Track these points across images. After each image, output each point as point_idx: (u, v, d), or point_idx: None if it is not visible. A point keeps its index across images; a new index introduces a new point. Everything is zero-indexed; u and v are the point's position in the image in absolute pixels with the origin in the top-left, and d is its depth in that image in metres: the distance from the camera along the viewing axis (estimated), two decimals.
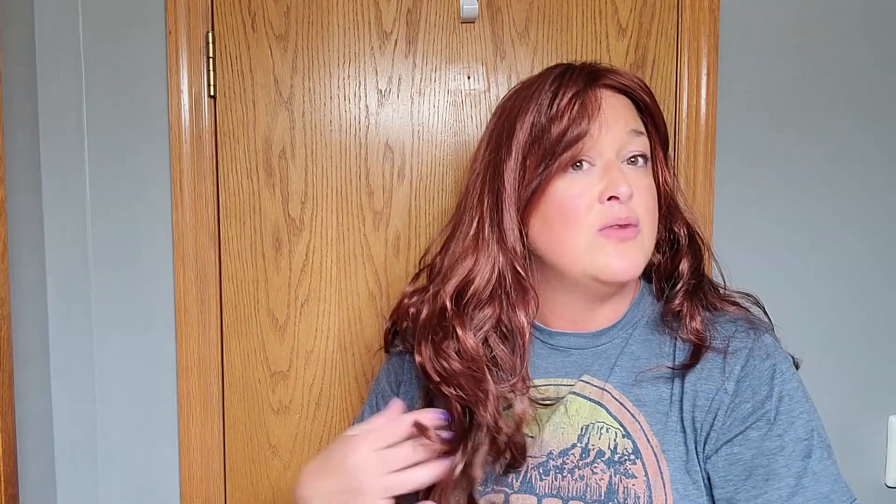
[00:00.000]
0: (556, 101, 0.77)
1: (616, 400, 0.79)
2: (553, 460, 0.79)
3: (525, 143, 0.78)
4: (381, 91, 1.26)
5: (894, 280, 1.33)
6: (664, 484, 0.75)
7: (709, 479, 0.75)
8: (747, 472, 0.73)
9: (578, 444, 0.79)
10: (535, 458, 0.79)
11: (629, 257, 0.76)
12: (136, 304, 1.27)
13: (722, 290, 0.87)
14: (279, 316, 1.28)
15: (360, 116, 1.26)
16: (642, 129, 0.81)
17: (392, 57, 1.25)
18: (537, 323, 0.85)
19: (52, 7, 1.23)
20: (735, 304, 0.85)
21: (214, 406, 1.27)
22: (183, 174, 1.24)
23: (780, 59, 1.29)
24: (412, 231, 1.27)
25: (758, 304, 0.89)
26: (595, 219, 0.76)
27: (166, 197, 1.25)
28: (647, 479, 0.75)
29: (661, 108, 1.26)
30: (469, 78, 1.26)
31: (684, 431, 0.76)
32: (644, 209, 0.78)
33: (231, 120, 1.25)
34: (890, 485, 1.33)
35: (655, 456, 0.76)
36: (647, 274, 0.87)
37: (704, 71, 1.26)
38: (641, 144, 0.80)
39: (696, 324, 0.79)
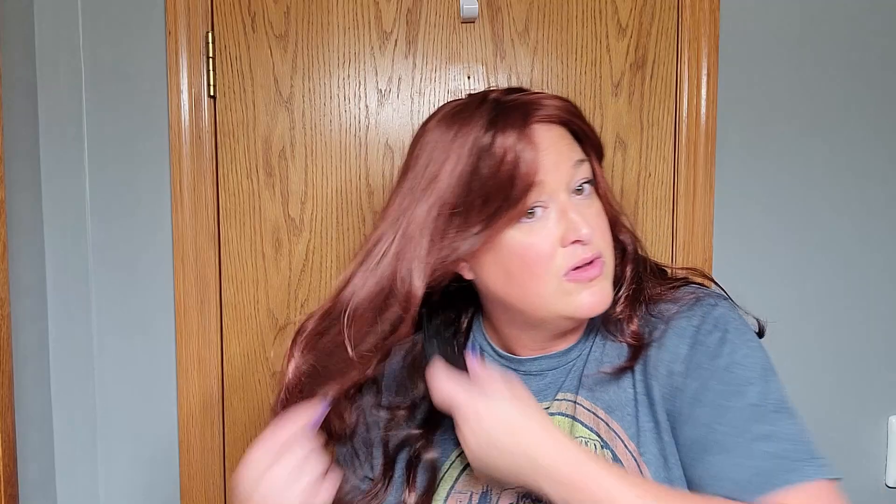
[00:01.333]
0: (495, 149, 0.72)
1: (588, 411, 0.78)
2: None
3: (457, 195, 0.73)
4: (381, 91, 1.25)
5: (894, 280, 1.33)
6: None
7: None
8: (702, 448, 0.70)
9: None
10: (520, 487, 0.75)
11: (600, 291, 0.75)
12: (136, 305, 1.27)
13: (668, 272, 0.85)
14: (279, 316, 1.28)
15: (360, 116, 1.26)
16: (582, 156, 0.77)
17: (392, 57, 1.25)
18: (505, 353, 0.84)
19: (52, 7, 1.23)
20: (681, 283, 0.82)
21: (214, 406, 1.27)
22: (183, 174, 1.24)
23: (780, 58, 1.29)
24: None
25: (705, 275, 0.87)
26: (561, 264, 0.73)
27: (166, 197, 1.25)
28: None
29: (661, 108, 1.28)
30: (469, 78, 1.26)
31: (656, 427, 0.75)
32: (601, 237, 0.76)
33: (231, 120, 1.25)
34: (890, 485, 1.33)
35: (635, 461, 0.74)
36: None
37: (704, 71, 1.26)
38: (586, 171, 0.77)
39: (634, 326, 0.78)
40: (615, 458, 0.75)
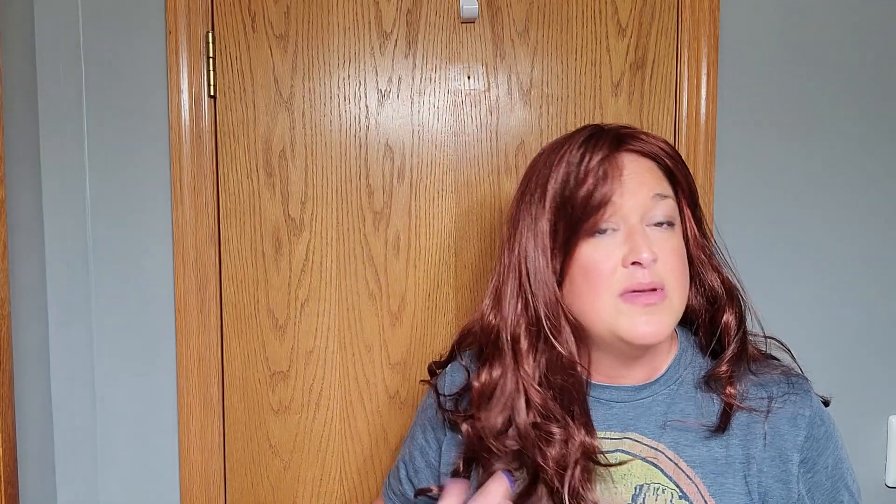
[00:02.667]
0: (582, 166, 0.78)
1: (671, 461, 0.79)
2: None
3: (553, 207, 0.80)
4: (381, 91, 1.26)
5: (894, 280, 1.33)
6: None
7: None
8: None
9: (632, 503, 0.79)
10: None
11: (657, 322, 0.77)
12: (136, 304, 1.27)
13: (752, 338, 0.88)
14: (279, 316, 1.28)
15: (360, 116, 1.26)
16: (667, 192, 0.81)
17: (392, 57, 1.25)
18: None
19: (52, 7, 1.23)
20: (773, 357, 0.87)
21: (214, 406, 1.27)
22: (183, 174, 1.24)
23: (780, 58, 1.29)
24: (412, 231, 1.27)
25: (787, 350, 0.91)
26: (618, 283, 0.77)
27: (166, 197, 1.25)
28: None
29: (661, 108, 1.28)
30: (469, 78, 1.26)
31: (747, 495, 0.77)
32: (670, 271, 0.78)
33: (231, 120, 1.25)
34: (890, 485, 1.33)
35: None
36: (691, 324, 0.88)
37: (704, 71, 1.26)
38: (667, 208, 0.80)
39: (733, 388, 0.80)
40: None
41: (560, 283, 0.81)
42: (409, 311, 1.28)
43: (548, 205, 0.80)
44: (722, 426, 0.79)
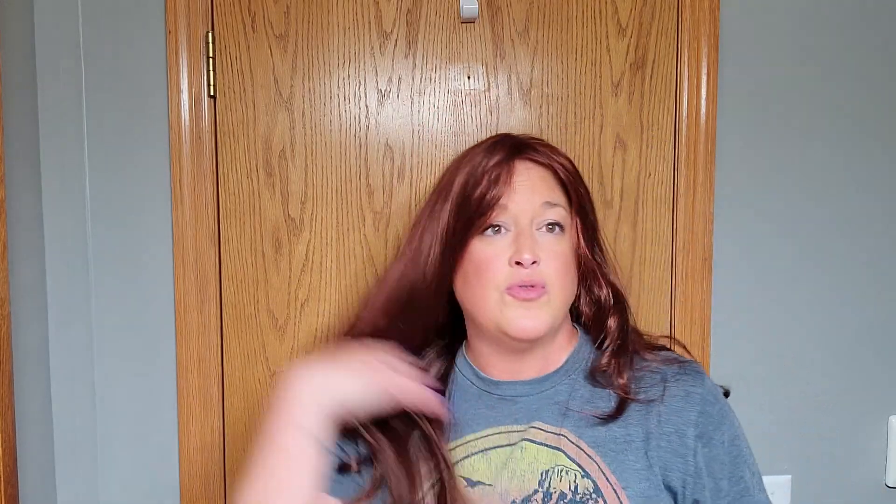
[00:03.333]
0: (479, 169, 0.86)
1: (573, 444, 0.84)
2: None
3: (453, 205, 0.87)
4: (381, 91, 1.26)
5: (894, 280, 1.33)
6: None
7: None
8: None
9: (540, 489, 0.83)
10: None
11: (535, 317, 0.83)
12: (136, 304, 1.27)
13: (646, 338, 0.95)
14: (279, 316, 1.28)
15: (360, 116, 1.26)
16: (558, 201, 0.88)
17: (392, 57, 1.25)
18: (479, 372, 0.91)
19: (52, 7, 1.23)
20: (662, 347, 0.94)
21: (214, 406, 1.27)
22: (183, 174, 1.24)
23: (780, 58, 1.29)
24: None
25: (680, 344, 0.99)
26: (503, 279, 0.84)
27: (166, 197, 1.25)
28: None
29: (661, 108, 1.28)
30: (469, 78, 1.26)
31: (647, 468, 0.83)
32: (554, 272, 0.84)
33: (231, 120, 1.25)
34: (890, 485, 1.33)
35: (615, 492, 0.81)
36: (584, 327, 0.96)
37: (704, 71, 1.26)
38: (556, 214, 0.87)
39: (623, 380, 0.87)
40: (596, 489, 0.82)
41: (454, 278, 0.89)
42: None
43: (449, 202, 0.87)
44: (617, 414, 0.85)
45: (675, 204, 1.28)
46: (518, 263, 0.83)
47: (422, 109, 1.26)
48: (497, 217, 0.85)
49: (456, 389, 0.92)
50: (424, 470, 0.84)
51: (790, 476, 1.32)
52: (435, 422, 0.86)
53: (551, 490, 0.82)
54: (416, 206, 1.26)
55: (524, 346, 0.87)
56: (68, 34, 1.23)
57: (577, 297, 0.92)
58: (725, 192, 1.29)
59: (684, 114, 1.27)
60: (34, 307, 1.22)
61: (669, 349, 0.94)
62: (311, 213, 1.26)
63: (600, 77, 1.26)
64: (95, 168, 1.25)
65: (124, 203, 1.26)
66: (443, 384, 0.91)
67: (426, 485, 0.84)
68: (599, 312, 0.92)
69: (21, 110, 1.19)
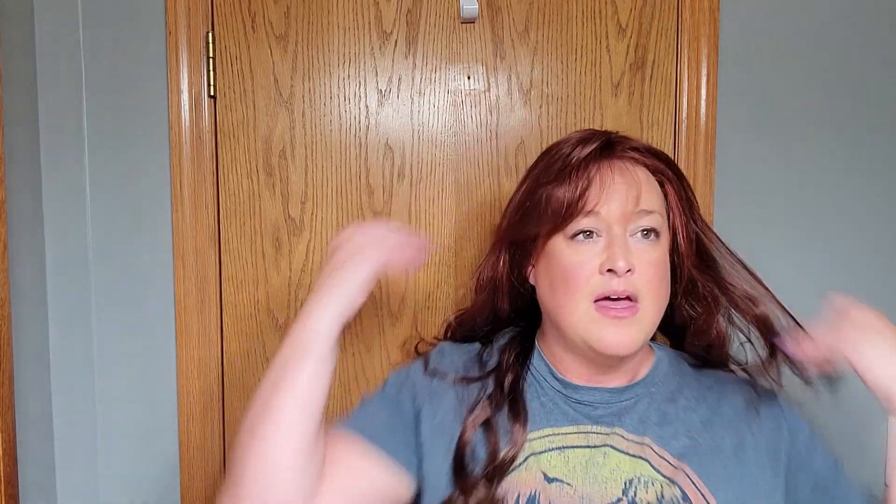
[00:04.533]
0: (569, 168, 0.81)
1: (656, 453, 0.81)
2: None
3: (542, 207, 0.82)
4: (381, 91, 1.26)
5: (895, 280, 1.33)
6: None
7: None
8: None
9: (624, 498, 0.80)
10: None
11: (625, 335, 0.78)
12: (136, 304, 1.27)
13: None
14: (279, 316, 1.28)
15: (360, 116, 1.26)
16: (654, 205, 0.82)
17: (392, 57, 1.25)
18: (559, 374, 0.87)
19: (52, 7, 1.23)
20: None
21: (214, 406, 1.27)
22: (183, 174, 1.24)
23: (779, 58, 1.29)
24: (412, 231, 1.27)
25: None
26: (594, 289, 0.79)
27: (166, 197, 1.25)
28: None
29: (661, 108, 1.28)
30: (469, 78, 1.26)
31: (743, 475, 0.81)
32: (647, 283, 0.79)
33: (231, 120, 1.25)
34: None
35: (705, 499, 0.79)
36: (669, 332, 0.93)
37: (704, 71, 1.26)
38: (651, 221, 0.81)
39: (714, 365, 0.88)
40: (684, 496, 0.79)
41: (537, 280, 0.86)
42: (408, 311, 1.28)
43: (537, 203, 0.82)
44: (701, 424, 0.83)
45: None
46: (610, 271, 0.78)
47: (422, 109, 1.26)
48: (589, 223, 0.80)
49: (531, 381, 0.87)
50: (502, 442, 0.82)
51: None
52: (518, 410, 0.83)
53: (637, 500, 0.79)
54: (416, 206, 1.26)
55: (612, 362, 0.83)
56: (68, 34, 1.23)
57: (676, 303, 0.88)
58: (725, 192, 1.29)
59: (684, 114, 1.27)
60: (34, 307, 1.22)
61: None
62: (311, 213, 1.26)
63: (600, 77, 1.26)
64: (95, 168, 1.25)
65: (124, 203, 1.26)
66: (518, 371, 0.87)
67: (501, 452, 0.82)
68: (694, 322, 0.88)
69: (21, 110, 1.19)
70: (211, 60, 1.24)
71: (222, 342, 1.27)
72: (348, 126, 1.26)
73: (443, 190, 1.27)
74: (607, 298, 0.78)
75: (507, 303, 0.92)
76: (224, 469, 1.29)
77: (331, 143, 1.26)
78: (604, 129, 0.88)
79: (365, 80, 1.25)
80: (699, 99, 1.26)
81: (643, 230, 0.80)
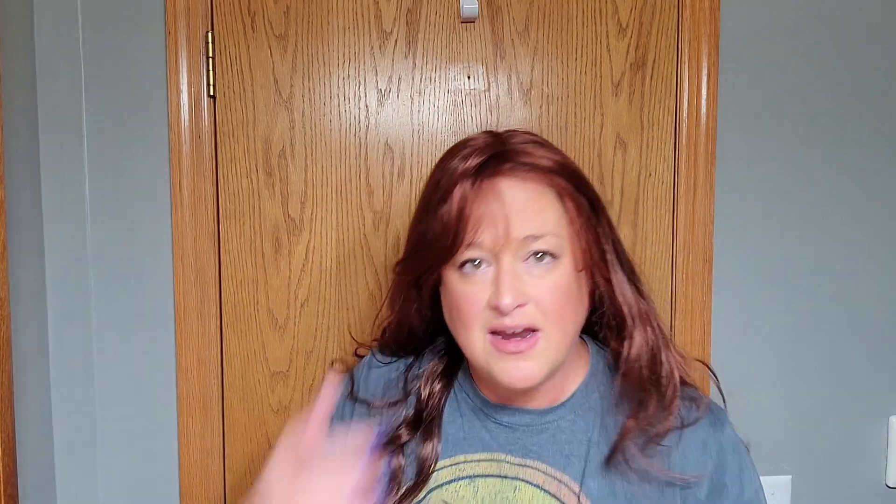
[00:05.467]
0: (451, 191, 0.73)
1: (574, 493, 0.75)
2: None
3: (422, 237, 0.77)
4: (380, 91, 1.25)
5: (895, 279, 1.33)
6: None
7: None
8: None
9: None
10: None
11: (526, 368, 0.72)
12: (136, 304, 1.27)
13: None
14: (279, 316, 1.27)
15: (359, 116, 1.26)
16: (545, 227, 0.73)
17: (392, 57, 1.25)
18: (479, 391, 0.82)
19: (52, 7, 1.23)
20: (681, 381, 0.80)
21: (214, 406, 1.27)
22: (182, 174, 1.24)
23: (780, 58, 1.29)
24: None
25: (707, 366, 0.91)
26: (485, 321, 0.73)
27: (166, 197, 1.25)
28: None
29: (662, 108, 1.28)
30: (469, 78, 1.26)
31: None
32: (546, 311, 0.72)
33: (231, 120, 1.25)
34: (890, 485, 1.33)
35: None
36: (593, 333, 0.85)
37: (705, 71, 1.26)
38: (544, 244, 0.73)
39: (644, 457, 0.75)
40: None
41: (439, 305, 0.80)
42: None
43: (423, 232, 0.77)
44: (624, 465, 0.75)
45: (676, 204, 1.28)
46: (495, 308, 0.71)
47: (422, 109, 1.26)
48: (472, 253, 0.73)
49: (452, 401, 0.83)
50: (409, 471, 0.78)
51: (790, 476, 1.32)
52: (431, 436, 0.79)
53: None
54: (415, 206, 1.26)
55: (520, 392, 0.77)
56: (68, 34, 1.23)
57: (596, 314, 0.80)
58: (726, 192, 1.29)
59: (685, 114, 1.26)
60: (34, 307, 1.22)
61: (688, 384, 0.82)
62: (311, 213, 1.26)
63: (600, 77, 1.26)
64: (95, 168, 1.25)
65: (124, 203, 1.26)
66: (441, 391, 0.82)
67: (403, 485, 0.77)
68: (619, 331, 0.79)
69: (21, 110, 1.19)
70: (210, 60, 1.24)
71: (222, 342, 1.27)
72: (348, 126, 1.26)
73: None
74: (500, 334, 0.72)
75: (419, 321, 0.86)
76: (224, 469, 1.29)
77: (330, 143, 1.26)
78: (504, 132, 0.80)
79: (365, 80, 1.25)
80: (699, 98, 1.26)
81: (535, 253, 0.72)
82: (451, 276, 0.75)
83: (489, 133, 0.81)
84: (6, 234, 1.10)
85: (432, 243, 0.74)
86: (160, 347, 1.27)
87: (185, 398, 1.26)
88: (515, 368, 0.72)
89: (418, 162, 1.26)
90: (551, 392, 0.79)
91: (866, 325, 1.32)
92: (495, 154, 0.75)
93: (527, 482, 0.76)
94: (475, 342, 0.74)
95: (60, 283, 1.26)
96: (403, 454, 0.79)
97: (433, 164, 1.25)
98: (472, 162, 0.74)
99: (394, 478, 0.78)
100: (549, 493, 0.75)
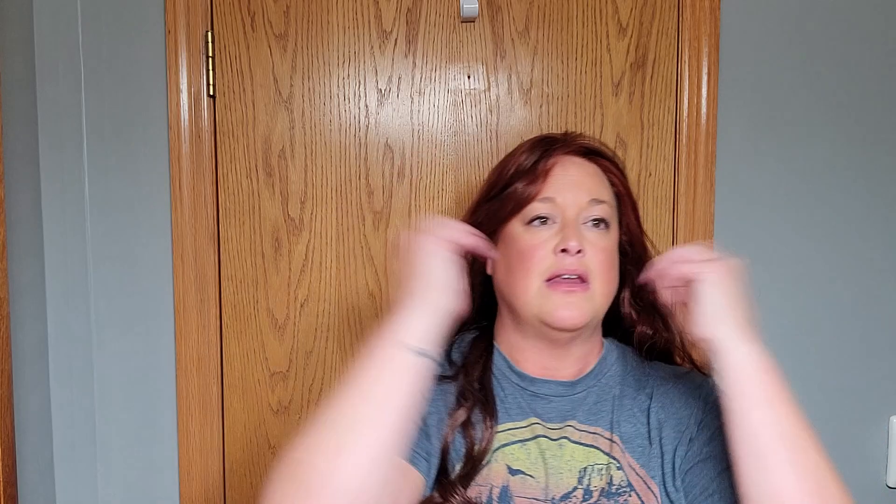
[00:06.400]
0: (527, 161, 0.88)
1: (608, 440, 0.86)
2: None
3: (502, 194, 0.89)
4: (380, 91, 1.25)
5: (895, 279, 1.33)
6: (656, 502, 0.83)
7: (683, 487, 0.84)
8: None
9: (580, 486, 0.84)
10: (540, 501, 0.83)
11: (576, 307, 0.83)
12: (136, 304, 1.27)
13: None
14: (279, 316, 1.27)
15: (359, 116, 1.26)
16: (605, 197, 0.89)
17: (392, 56, 1.25)
18: (515, 367, 0.91)
19: (52, 7, 1.23)
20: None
21: (214, 406, 1.27)
22: (182, 174, 1.24)
23: (780, 58, 1.28)
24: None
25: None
26: (547, 267, 0.84)
27: (166, 197, 1.25)
28: (641, 501, 0.83)
29: (662, 107, 1.28)
30: (469, 77, 1.26)
31: (662, 456, 0.85)
32: (597, 266, 0.85)
33: (231, 120, 1.25)
34: (891, 485, 1.33)
35: (645, 482, 0.84)
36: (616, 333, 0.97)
37: (705, 71, 1.26)
38: (602, 211, 0.87)
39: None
40: (628, 483, 0.84)
41: (495, 268, 0.90)
42: None
43: (497, 192, 0.89)
44: (642, 414, 0.87)
45: (676, 204, 1.28)
46: (563, 251, 0.83)
47: (422, 109, 1.26)
48: (544, 208, 0.86)
49: (492, 377, 0.91)
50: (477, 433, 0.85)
51: None
52: (488, 405, 0.87)
53: (591, 487, 0.84)
54: (416, 206, 1.26)
55: (564, 336, 0.86)
56: (68, 34, 1.23)
57: (621, 297, 0.93)
58: (726, 191, 1.29)
59: (685, 114, 1.26)
60: (34, 307, 1.22)
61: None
62: (311, 213, 1.26)
63: (600, 77, 1.26)
64: (95, 168, 1.25)
65: (124, 203, 1.26)
66: (483, 367, 0.91)
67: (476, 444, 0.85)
68: (642, 313, 0.93)
69: (21, 110, 1.19)
70: (210, 60, 1.23)
71: (221, 342, 1.27)
72: (348, 126, 1.26)
73: (443, 190, 1.27)
74: (558, 276, 0.84)
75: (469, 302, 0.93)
76: (223, 468, 1.29)
77: (330, 143, 1.26)
78: (554, 134, 0.94)
79: (365, 80, 1.25)
80: (700, 98, 1.26)
81: (594, 219, 0.86)
82: (517, 230, 0.87)
83: (544, 134, 0.95)
84: (6, 234, 1.10)
85: (510, 199, 0.87)
86: (160, 347, 1.27)
87: (185, 398, 1.26)
88: (567, 306, 0.83)
89: (418, 162, 1.26)
90: (577, 364, 0.90)
91: (866, 325, 1.32)
92: (563, 140, 0.91)
93: (567, 439, 0.86)
94: (531, 286, 0.84)
95: (60, 282, 1.26)
96: (470, 430, 0.86)
97: (433, 163, 1.26)
98: (546, 143, 0.90)
99: (469, 451, 0.84)
100: (588, 445, 0.86)
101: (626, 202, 0.92)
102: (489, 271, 0.92)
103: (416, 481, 0.81)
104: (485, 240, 0.83)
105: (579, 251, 0.83)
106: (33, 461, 1.21)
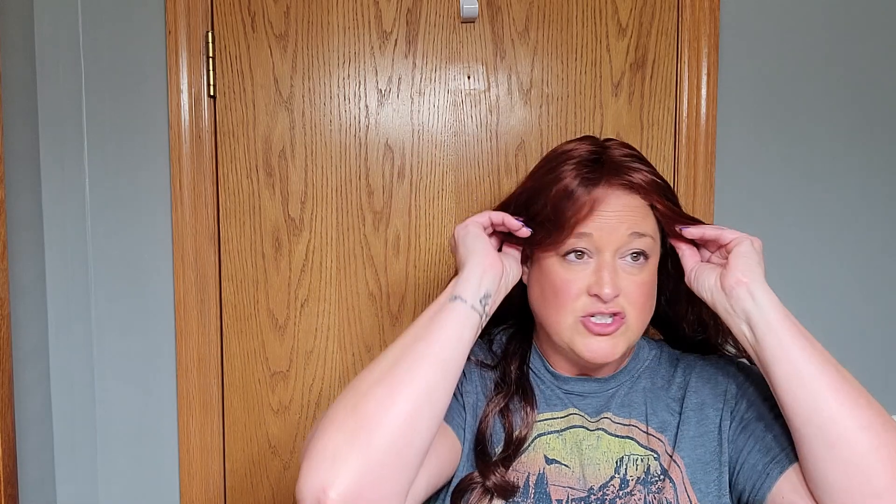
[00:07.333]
0: (570, 189, 0.85)
1: (643, 432, 0.89)
2: (594, 494, 0.85)
3: (539, 212, 0.86)
4: (381, 91, 1.25)
5: (894, 279, 1.33)
6: (687, 489, 0.85)
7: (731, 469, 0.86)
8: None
9: (616, 475, 0.86)
10: (576, 490, 0.85)
11: (610, 346, 0.84)
12: (136, 304, 1.27)
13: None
14: (279, 316, 1.27)
15: (359, 116, 1.26)
16: (646, 229, 0.86)
17: (392, 57, 1.25)
18: (548, 365, 0.93)
19: (52, 7, 1.23)
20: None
21: (214, 406, 1.27)
22: (183, 174, 1.24)
23: (780, 58, 1.29)
24: (412, 231, 1.27)
25: None
26: (581, 307, 0.84)
27: (166, 197, 1.25)
28: (675, 489, 0.85)
29: (661, 108, 1.28)
30: (469, 78, 1.26)
31: (704, 436, 0.87)
32: (632, 304, 0.85)
33: (231, 120, 1.25)
34: None
35: (679, 468, 0.85)
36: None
37: (704, 71, 1.26)
38: (642, 244, 0.85)
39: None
40: (663, 470, 0.86)
41: (529, 284, 0.91)
42: (408, 311, 1.28)
43: (540, 208, 0.86)
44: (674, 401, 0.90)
45: None
46: (595, 295, 0.83)
47: (422, 109, 1.26)
48: (581, 243, 0.84)
49: (530, 372, 0.94)
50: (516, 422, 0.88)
51: None
52: (528, 394, 0.90)
53: (628, 477, 0.86)
54: (416, 206, 1.26)
55: (593, 365, 0.88)
56: (68, 34, 1.23)
57: (683, 318, 0.95)
58: (725, 191, 1.29)
59: (684, 114, 1.26)
60: (34, 307, 1.22)
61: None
62: (311, 213, 1.26)
63: (600, 77, 1.26)
64: (95, 168, 1.25)
65: (124, 203, 1.26)
66: (521, 361, 0.93)
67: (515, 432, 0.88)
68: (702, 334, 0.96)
69: (21, 110, 1.19)
70: (211, 60, 1.24)
71: (222, 342, 1.27)
72: (348, 126, 1.26)
73: (443, 190, 1.27)
74: (591, 317, 0.84)
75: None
76: (224, 468, 1.29)
77: (331, 143, 1.26)
78: (604, 140, 0.91)
79: (365, 80, 1.25)
80: (699, 98, 1.26)
81: (633, 253, 0.85)
82: (552, 263, 0.86)
83: (590, 139, 0.92)
84: (7, 235, 1.10)
85: (548, 223, 0.85)
86: (160, 347, 1.27)
87: (185, 398, 1.26)
88: (598, 344, 0.84)
89: (418, 162, 1.26)
90: (612, 368, 0.92)
91: (866, 324, 1.32)
92: (610, 167, 0.86)
93: (604, 431, 0.89)
94: (564, 321, 0.85)
95: (60, 283, 1.26)
96: (510, 415, 0.89)
97: (433, 163, 1.26)
98: (594, 169, 0.86)
99: (509, 435, 0.88)
100: (623, 437, 0.88)
101: (669, 224, 0.89)
102: (524, 280, 0.91)
103: (456, 446, 0.85)
104: (512, 218, 0.86)
105: (616, 296, 0.83)
106: (34, 461, 1.21)
